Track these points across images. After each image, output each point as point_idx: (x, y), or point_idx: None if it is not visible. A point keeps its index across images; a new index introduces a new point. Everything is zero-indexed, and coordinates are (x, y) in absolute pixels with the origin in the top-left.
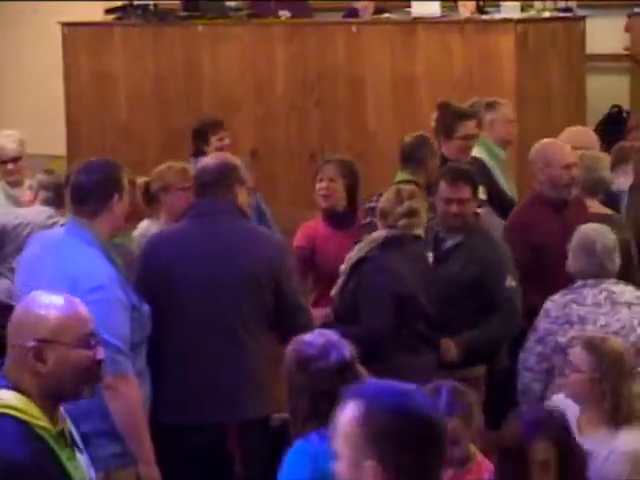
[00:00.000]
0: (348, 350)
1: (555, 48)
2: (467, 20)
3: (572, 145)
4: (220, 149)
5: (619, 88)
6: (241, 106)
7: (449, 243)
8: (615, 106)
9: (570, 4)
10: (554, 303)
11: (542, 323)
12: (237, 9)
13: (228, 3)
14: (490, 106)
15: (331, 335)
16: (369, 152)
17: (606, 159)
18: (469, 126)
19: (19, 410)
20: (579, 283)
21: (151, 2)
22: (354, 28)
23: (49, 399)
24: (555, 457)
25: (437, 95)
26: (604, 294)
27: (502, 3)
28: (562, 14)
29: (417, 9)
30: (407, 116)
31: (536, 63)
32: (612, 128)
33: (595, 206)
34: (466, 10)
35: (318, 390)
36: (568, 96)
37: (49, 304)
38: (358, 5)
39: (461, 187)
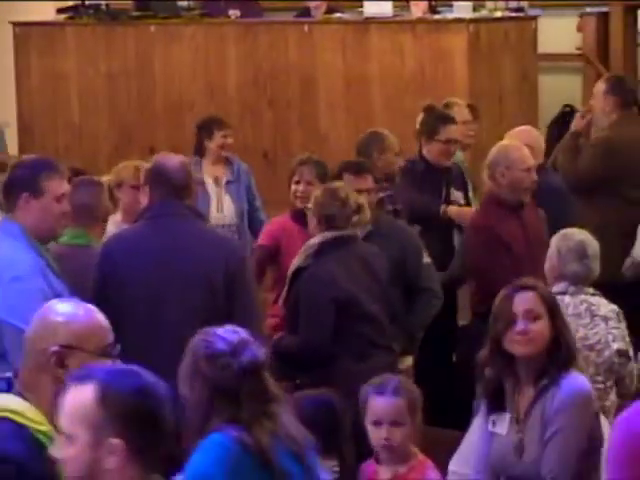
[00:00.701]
0: (261, 352)
1: (507, 48)
2: (419, 20)
3: (532, 145)
4: (222, 146)
5: (571, 87)
6: (194, 105)
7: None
8: (567, 105)
9: (522, 4)
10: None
11: None
12: (189, 9)
13: (180, 3)
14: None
15: (244, 333)
16: (322, 151)
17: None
18: (452, 130)
19: (19, 414)
20: (560, 288)
21: (103, 2)
22: (306, 28)
23: None
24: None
25: (389, 95)
26: (584, 305)
27: (454, 3)
28: (514, 14)
29: (369, 9)
30: (359, 116)
31: (488, 63)
32: (564, 127)
33: None
34: (418, 10)
35: (221, 386)
36: (520, 95)
37: (72, 312)
38: (310, 4)
39: (365, 177)
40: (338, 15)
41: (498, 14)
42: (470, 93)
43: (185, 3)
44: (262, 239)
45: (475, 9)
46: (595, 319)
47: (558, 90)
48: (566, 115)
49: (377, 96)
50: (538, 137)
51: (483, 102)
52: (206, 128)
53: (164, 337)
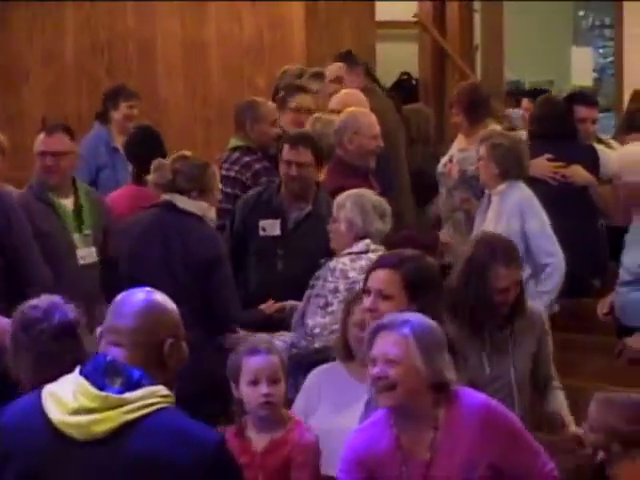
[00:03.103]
0: (72, 313)
1: (345, 15)
2: None
3: (345, 107)
4: (127, 117)
5: (408, 55)
6: (29, 74)
7: (297, 214)
8: (404, 73)
9: None
10: (348, 266)
11: (342, 284)
12: None
13: None
14: (316, 76)
15: (57, 299)
16: (161, 119)
17: None
18: (303, 99)
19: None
20: (363, 247)
21: None
22: None
23: None
24: None
25: (228, 62)
26: None
27: None
28: None
29: None
30: (198, 83)
31: (327, 30)
32: (402, 95)
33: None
34: None
35: (41, 351)
36: None
37: (166, 300)
38: None
39: (301, 151)
40: None
41: None
42: (308, 60)
43: None
44: None
45: None
46: None
47: (395, 58)
48: (403, 82)
49: (215, 62)
50: (364, 100)
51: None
52: (112, 97)
53: None
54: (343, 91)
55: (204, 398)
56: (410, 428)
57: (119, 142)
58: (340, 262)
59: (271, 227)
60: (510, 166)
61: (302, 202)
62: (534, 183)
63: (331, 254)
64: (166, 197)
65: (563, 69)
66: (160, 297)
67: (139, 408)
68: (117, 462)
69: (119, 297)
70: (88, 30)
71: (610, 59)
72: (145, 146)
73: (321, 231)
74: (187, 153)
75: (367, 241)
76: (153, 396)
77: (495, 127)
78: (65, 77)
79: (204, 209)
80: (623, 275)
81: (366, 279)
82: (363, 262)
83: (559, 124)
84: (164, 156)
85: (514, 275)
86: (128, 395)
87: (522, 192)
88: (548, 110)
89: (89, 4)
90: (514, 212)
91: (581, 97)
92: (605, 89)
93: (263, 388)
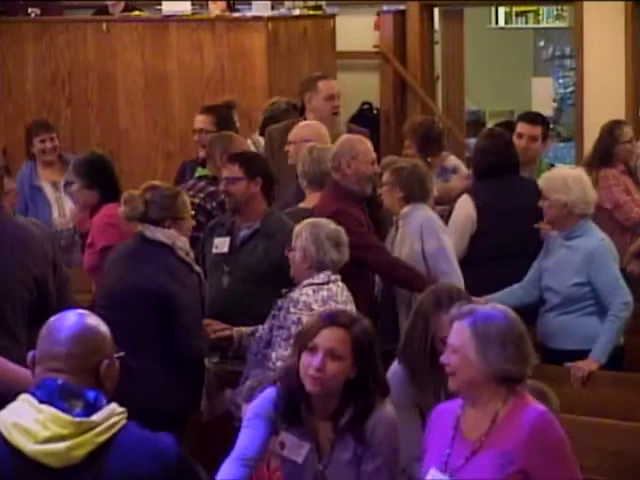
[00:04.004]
0: None
1: (306, 45)
2: (218, 18)
3: (304, 138)
4: (43, 151)
5: (369, 85)
6: None
7: (245, 232)
8: (365, 103)
9: (320, 2)
10: (312, 298)
11: (305, 316)
12: None
13: None
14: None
15: None
16: (121, 149)
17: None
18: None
19: None
20: (324, 278)
21: None
22: (104, 26)
23: None
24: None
25: (189, 92)
26: (345, 292)
27: (253, 1)
28: (312, 12)
29: (168, 7)
30: (159, 113)
31: (287, 60)
32: (363, 125)
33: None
34: (217, 8)
35: None
36: None
37: (98, 321)
38: (108, 3)
39: (229, 166)
40: (137, 13)
41: (296, 12)
42: (270, 91)
43: None
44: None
45: (273, 7)
46: (354, 306)
47: (356, 88)
48: (364, 112)
49: (177, 94)
50: (323, 133)
51: (291, 100)
52: (27, 134)
53: None
54: (302, 123)
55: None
56: (472, 414)
57: (44, 177)
58: (303, 293)
59: (222, 245)
60: (413, 189)
61: (251, 221)
62: None
63: (275, 272)
64: (140, 228)
65: (523, 99)
66: (92, 319)
67: (107, 429)
68: None
69: (51, 321)
70: (49, 61)
71: (570, 89)
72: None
73: (264, 249)
74: (156, 183)
75: (328, 272)
76: (114, 415)
77: (452, 159)
78: (26, 108)
79: (173, 237)
80: (550, 299)
81: (312, 334)
82: (325, 293)
83: (500, 157)
84: (115, 184)
85: None
86: (96, 417)
87: (424, 214)
88: (489, 143)
89: (49, 36)
90: (415, 234)
91: (524, 115)
92: (565, 119)
93: None
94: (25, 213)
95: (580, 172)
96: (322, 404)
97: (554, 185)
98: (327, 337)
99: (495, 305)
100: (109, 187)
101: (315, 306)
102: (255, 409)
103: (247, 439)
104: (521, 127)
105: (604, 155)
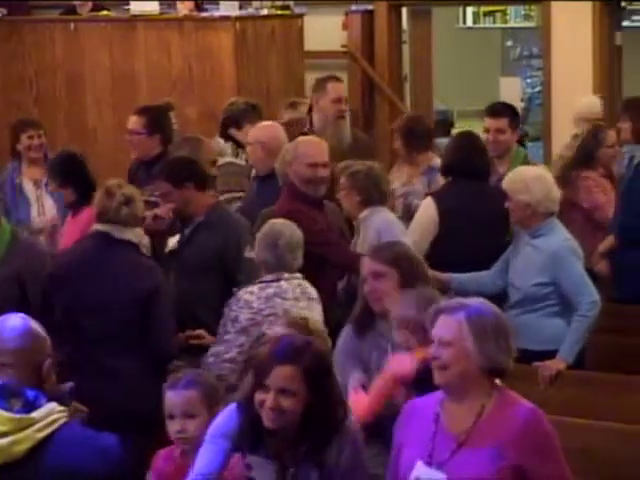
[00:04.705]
0: None
1: (274, 45)
2: (186, 17)
3: (258, 140)
4: (29, 148)
5: None
6: None
7: (190, 227)
8: None
9: (288, 2)
10: (254, 295)
11: (243, 314)
12: None
13: None
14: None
15: None
16: (88, 149)
17: None
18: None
19: None
20: (272, 276)
21: None
22: (72, 26)
23: None
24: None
25: (157, 92)
26: (299, 289)
27: (221, 2)
28: (280, 12)
29: (136, 7)
30: (127, 113)
31: (255, 60)
32: None
33: None
34: (184, 8)
35: None
36: (287, 92)
37: (37, 324)
38: (76, 2)
39: (159, 184)
40: (104, 13)
41: (264, 12)
42: (238, 90)
43: None
44: None
45: (241, 7)
46: (311, 302)
47: None
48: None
49: (144, 94)
50: (279, 136)
51: (250, 99)
52: (14, 131)
53: None
54: (260, 124)
55: (129, 431)
56: (455, 408)
57: (27, 175)
58: (247, 292)
59: (172, 244)
60: (370, 192)
61: (198, 217)
62: None
63: (218, 260)
64: (102, 228)
65: (491, 99)
66: (33, 322)
67: (47, 425)
68: (39, 478)
69: None
70: (16, 61)
71: (538, 89)
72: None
73: (206, 238)
74: (122, 182)
75: (282, 272)
76: (54, 412)
77: (437, 159)
78: None
79: (140, 236)
80: (512, 295)
81: (263, 373)
82: (271, 290)
83: (470, 160)
84: (90, 181)
85: None
86: (35, 414)
87: (382, 217)
88: (459, 144)
89: (17, 37)
90: (374, 238)
91: (488, 108)
92: (533, 119)
93: (175, 424)
94: (8, 214)
95: (542, 171)
96: (282, 432)
97: (516, 186)
98: (277, 377)
99: (479, 300)
100: (84, 185)
101: (255, 304)
102: (218, 426)
103: (208, 456)
104: (486, 122)
105: (586, 157)
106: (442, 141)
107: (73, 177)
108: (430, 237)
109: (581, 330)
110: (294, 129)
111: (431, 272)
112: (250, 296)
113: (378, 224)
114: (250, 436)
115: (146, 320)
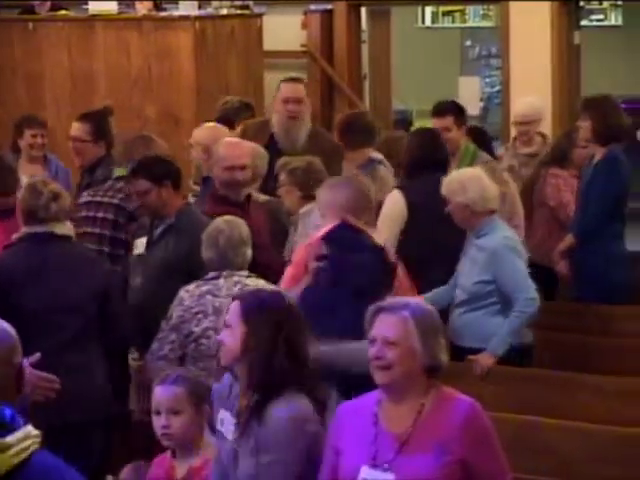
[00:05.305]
0: None
1: (233, 45)
2: (145, 17)
3: (198, 141)
4: (32, 146)
5: None
6: None
7: (160, 229)
8: None
9: (247, 2)
10: (189, 293)
11: (176, 312)
12: None
13: None
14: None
15: None
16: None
17: None
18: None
19: None
20: (214, 274)
21: None
22: (30, 25)
23: None
24: None
25: (116, 92)
26: (238, 286)
27: (180, 1)
28: (240, 11)
29: (94, 6)
30: None
31: (215, 59)
32: None
33: None
34: (143, 7)
35: None
36: (246, 92)
37: (8, 325)
38: (34, 2)
39: (136, 182)
40: (63, 12)
41: (224, 11)
42: (197, 90)
43: None
44: None
45: (201, 6)
46: None
47: None
48: None
49: (104, 93)
50: (221, 137)
51: (210, 100)
52: (18, 126)
53: None
54: (203, 125)
55: (96, 426)
56: (394, 408)
57: (27, 171)
58: (185, 289)
59: (140, 246)
60: (311, 187)
61: (168, 218)
62: None
63: (184, 265)
64: (40, 227)
65: (450, 98)
66: (5, 324)
67: (20, 452)
68: None
69: None
70: None
71: (497, 88)
72: None
73: (174, 243)
74: (48, 180)
75: (225, 270)
76: (28, 437)
77: (376, 155)
78: None
79: (72, 230)
80: (458, 296)
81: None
82: (205, 287)
83: (433, 154)
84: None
85: None
86: (10, 439)
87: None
88: (421, 141)
89: None
90: (314, 231)
91: (433, 109)
92: (492, 118)
93: (161, 420)
94: None
95: (477, 171)
96: (241, 381)
97: (452, 188)
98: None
99: (413, 298)
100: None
101: (187, 302)
102: None
103: None
104: (433, 122)
105: (559, 156)
106: None
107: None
108: (398, 230)
109: (514, 325)
110: (261, 132)
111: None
112: (185, 294)
113: (316, 218)
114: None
115: (105, 310)
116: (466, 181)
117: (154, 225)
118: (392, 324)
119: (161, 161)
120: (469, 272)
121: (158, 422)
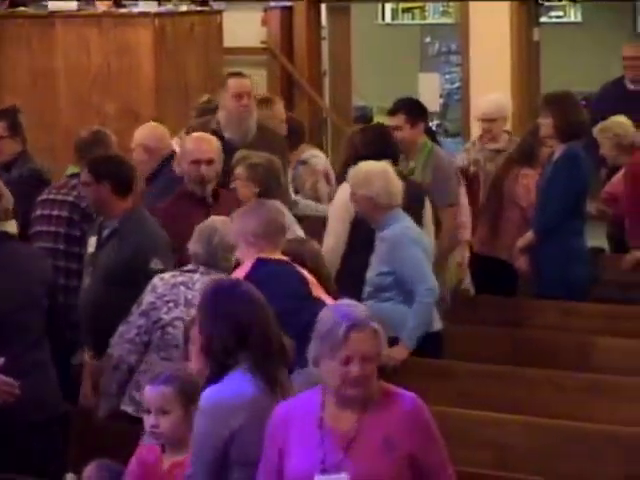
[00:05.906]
0: None
1: (193, 41)
2: (105, 14)
3: (139, 142)
4: None
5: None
6: None
7: (107, 232)
8: None
9: None
10: (163, 281)
11: (147, 297)
12: None
13: None
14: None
15: None
16: None
17: None
18: None
19: None
20: (191, 267)
21: None
22: None
23: None
24: None
25: (76, 89)
26: None
27: None
28: (199, 8)
29: (54, 3)
30: (45, 111)
31: (174, 56)
32: None
33: None
34: (103, 4)
35: None
36: (205, 89)
37: None
38: None
39: (82, 171)
40: (22, 9)
41: (183, 8)
42: (156, 87)
43: None
44: None
45: (160, 3)
46: None
47: None
48: None
49: (63, 90)
50: (162, 136)
51: (169, 97)
52: None
53: None
54: (142, 125)
55: (56, 424)
56: (339, 408)
57: None
58: (160, 277)
59: (92, 244)
60: (270, 184)
61: (114, 220)
62: None
63: (127, 271)
64: None
65: (410, 95)
66: None
67: None
68: None
69: None
70: None
71: (457, 85)
72: None
73: (118, 248)
74: None
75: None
76: None
77: (313, 152)
78: None
79: (15, 227)
80: (365, 289)
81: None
82: (180, 278)
83: (371, 154)
84: None
85: None
86: None
87: None
88: (362, 138)
89: None
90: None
91: (388, 110)
92: (452, 115)
93: (150, 419)
94: None
95: (384, 165)
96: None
97: (357, 181)
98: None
99: (352, 301)
100: None
101: (160, 289)
102: None
103: None
104: (387, 122)
105: (527, 155)
106: None
107: None
108: (348, 222)
109: (419, 316)
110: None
111: None
112: (159, 281)
113: None
114: None
115: (50, 305)
116: (372, 175)
117: (102, 226)
118: (367, 340)
119: (110, 162)
120: (373, 265)
121: (148, 421)
